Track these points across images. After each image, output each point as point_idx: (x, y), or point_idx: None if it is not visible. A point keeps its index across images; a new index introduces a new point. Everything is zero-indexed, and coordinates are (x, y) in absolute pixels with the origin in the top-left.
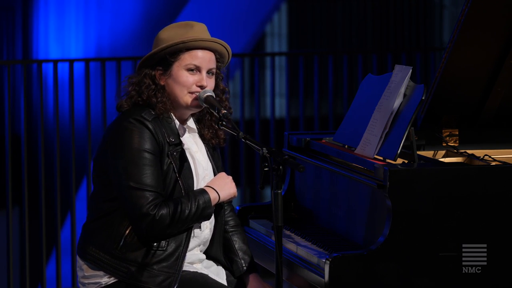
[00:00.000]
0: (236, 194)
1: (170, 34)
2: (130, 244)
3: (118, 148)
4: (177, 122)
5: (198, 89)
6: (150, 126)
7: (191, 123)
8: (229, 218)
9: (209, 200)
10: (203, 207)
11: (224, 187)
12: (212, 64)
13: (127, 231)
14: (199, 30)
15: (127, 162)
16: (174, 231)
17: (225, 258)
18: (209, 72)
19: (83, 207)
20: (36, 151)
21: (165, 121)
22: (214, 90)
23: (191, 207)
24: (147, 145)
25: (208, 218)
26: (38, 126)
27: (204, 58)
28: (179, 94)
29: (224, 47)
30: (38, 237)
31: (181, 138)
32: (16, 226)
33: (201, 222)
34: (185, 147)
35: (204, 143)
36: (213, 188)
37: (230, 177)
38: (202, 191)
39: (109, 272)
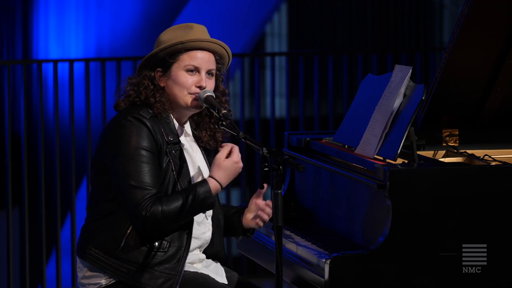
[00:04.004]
0: (241, 167)
1: (170, 36)
2: (132, 245)
3: (116, 146)
4: (175, 123)
5: (198, 89)
6: (148, 124)
7: (187, 127)
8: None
9: (209, 190)
10: (203, 197)
11: (228, 175)
12: (212, 65)
13: (128, 231)
14: (199, 32)
15: (125, 160)
16: (174, 225)
17: (229, 233)
18: (208, 73)
19: (83, 207)
20: (36, 151)
21: (163, 121)
22: (214, 92)
23: (188, 199)
24: (145, 143)
25: (211, 207)
26: (38, 126)
27: (203, 59)
28: (179, 95)
29: (224, 48)
30: (38, 237)
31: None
32: (16, 226)
33: (205, 212)
34: (183, 146)
35: (200, 148)
36: (213, 178)
37: (230, 160)
38: (202, 182)
39: (110, 273)
